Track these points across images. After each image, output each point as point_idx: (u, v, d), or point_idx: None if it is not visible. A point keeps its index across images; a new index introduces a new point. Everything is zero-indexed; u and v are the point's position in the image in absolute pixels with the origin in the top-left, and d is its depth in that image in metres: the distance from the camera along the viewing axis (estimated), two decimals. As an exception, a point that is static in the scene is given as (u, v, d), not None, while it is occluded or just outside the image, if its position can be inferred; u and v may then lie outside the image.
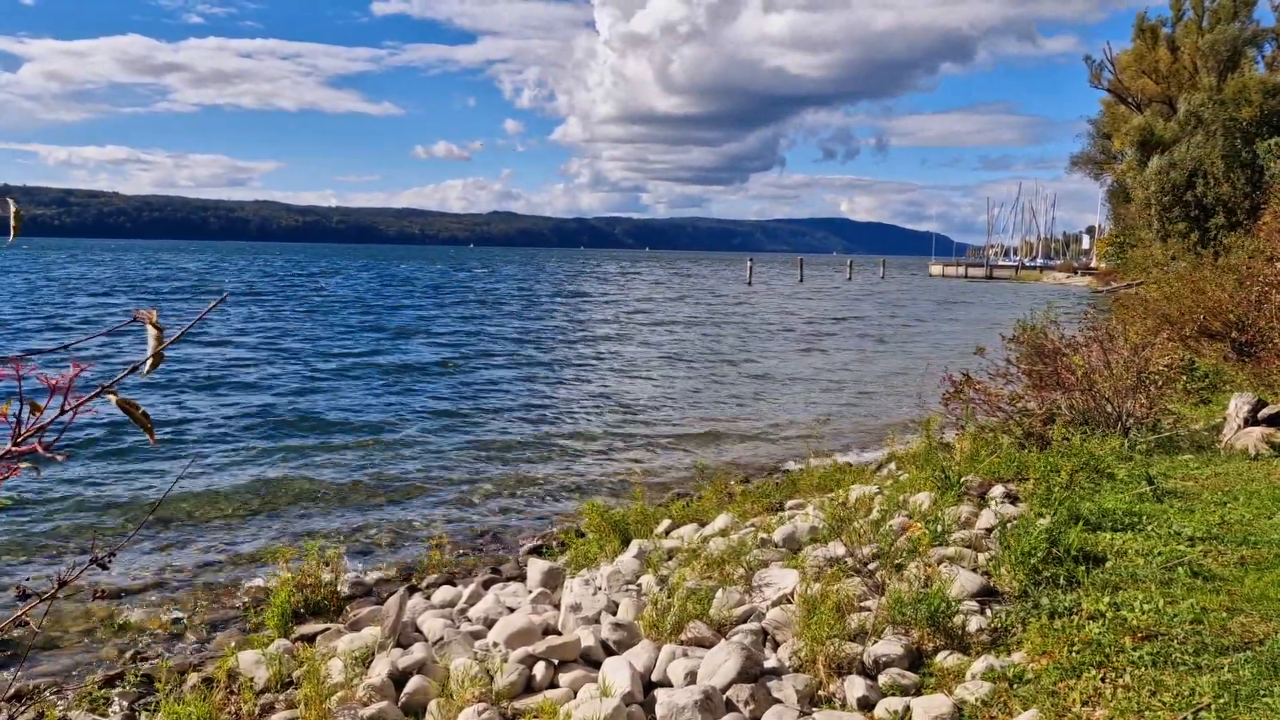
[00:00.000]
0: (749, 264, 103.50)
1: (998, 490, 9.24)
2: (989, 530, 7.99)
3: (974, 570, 6.98)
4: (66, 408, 1.30)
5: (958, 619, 6.03)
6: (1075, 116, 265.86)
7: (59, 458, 1.28)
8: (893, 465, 13.06)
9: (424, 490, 14.03)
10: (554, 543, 11.43)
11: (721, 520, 10.27)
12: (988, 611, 6.29)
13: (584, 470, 15.56)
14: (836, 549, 7.76)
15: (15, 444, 1.27)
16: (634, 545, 9.39)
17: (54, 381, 1.28)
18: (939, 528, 7.70)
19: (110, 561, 1.96)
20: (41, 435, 1.30)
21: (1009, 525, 7.42)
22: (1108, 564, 6.58)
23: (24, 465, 1.29)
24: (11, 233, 1.52)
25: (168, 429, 17.46)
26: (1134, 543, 6.97)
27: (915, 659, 5.88)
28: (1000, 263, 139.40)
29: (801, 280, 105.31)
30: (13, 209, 1.51)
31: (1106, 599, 5.87)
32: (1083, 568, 6.45)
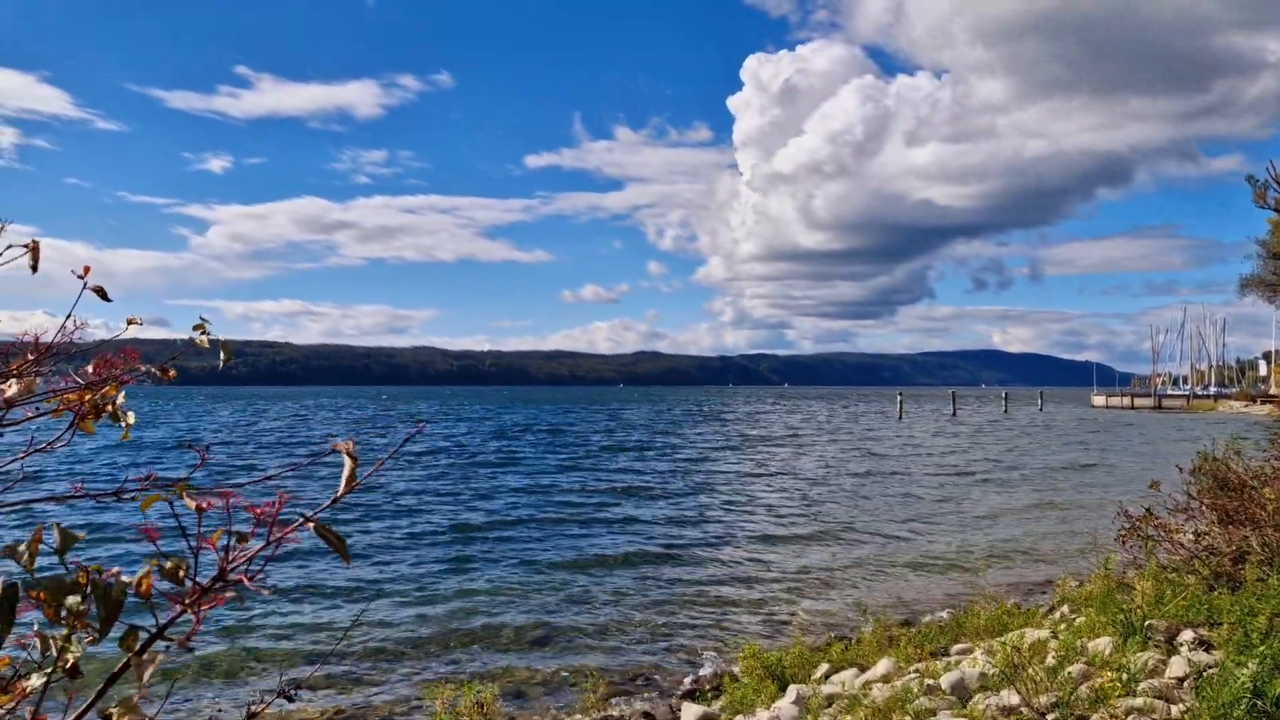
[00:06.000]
0: (899, 399, 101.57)
1: (1187, 635, 8.54)
2: (1180, 680, 7.37)
3: (1167, 724, 6.41)
4: (272, 538, 1.36)
5: (1154, 779, 5.52)
6: (1243, 237, 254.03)
7: (265, 591, 1.34)
8: (1065, 608, 12.28)
9: (576, 629, 13.96)
10: (708, 686, 11.12)
11: (883, 665, 9.81)
12: (1187, 771, 5.74)
13: (738, 610, 15.21)
14: (1010, 698, 7.28)
15: (223, 575, 1.34)
16: (792, 690, 9.05)
17: (259, 511, 1.35)
18: (1125, 676, 7.15)
19: (295, 694, 2.02)
20: (248, 566, 1.36)
21: (1205, 674, 6.82)
22: (1323, 720, 5.94)
23: (229, 595, 1.35)
24: (221, 361, 1.68)
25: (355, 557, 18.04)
26: (1352, 696, 6.28)
27: (1108, 823, 5.39)
28: (1169, 392, 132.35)
29: (954, 415, 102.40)
30: (222, 338, 1.67)
31: (1326, 760, 5.28)
32: (1294, 723, 5.84)
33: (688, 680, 11.61)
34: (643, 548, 20.64)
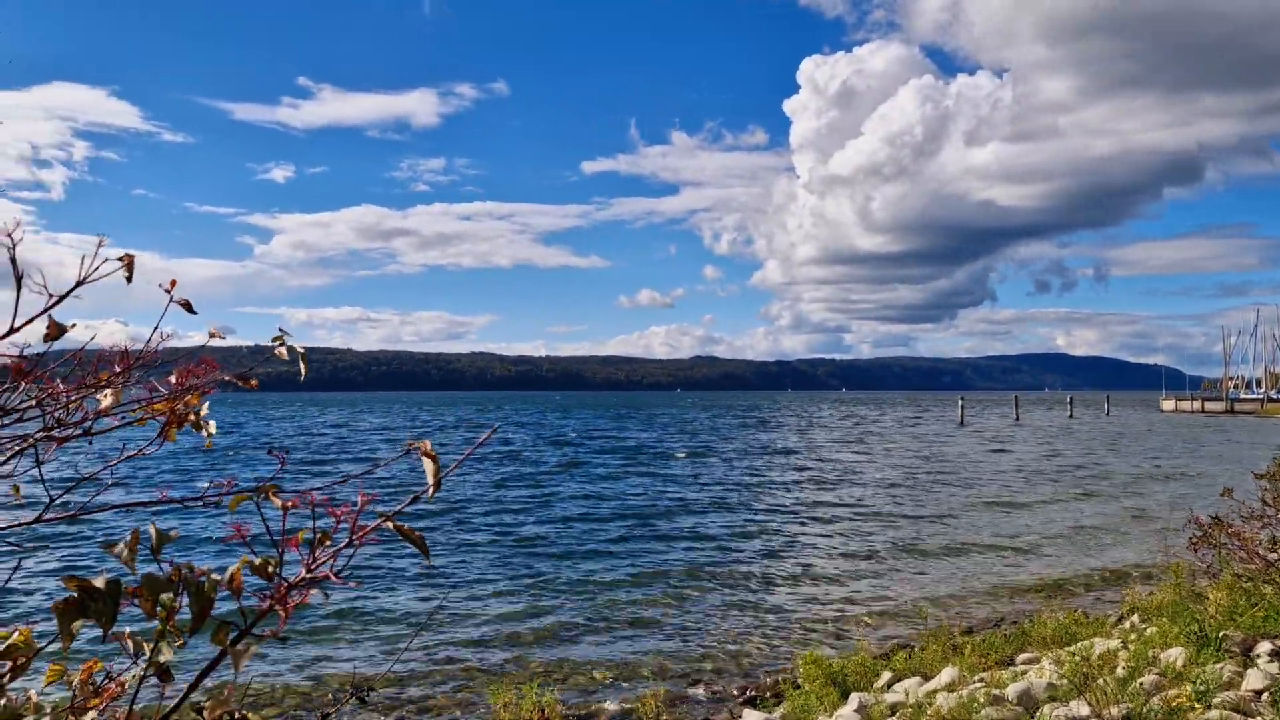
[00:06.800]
0: (960, 403, 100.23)
1: (1264, 647, 8.30)
2: (1258, 692, 7.16)
3: (1245, 738, 6.23)
4: (353, 537, 1.39)
5: (1231, 794, 5.37)
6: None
7: (352, 584, 1.36)
8: (1135, 618, 12.00)
9: (636, 636, 13.97)
10: (768, 693, 11.05)
11: (947, 674, 9.67)
12: (1267, 787, 5.57)
13: (799, 618, 15.10)
14: (1080, 709, 7.14)
15: (309, 571, 1.36)
16: (854, 699, 8.96)
17: (339, 511, 1.38)
18: (1200, 688, 6.96)
19: (369, 696, 2.05)
20: (333, 563, 1.39)
21: (1284, 687, 6.63)
22: None
23: (314, 592, 1.38)
24: (302, 373, 1.74)
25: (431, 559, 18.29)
26: None
27: (1184, 838, 5.25)
28: (1242, 396, 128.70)
29: (1018, 419, 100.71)
30: (300, 349, 1.73)
31: None
32: (1381, 739, 5.64)
33: (748, 687, 11.56)
34: (702, 556, 20.59)
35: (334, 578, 1.37)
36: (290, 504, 1.35)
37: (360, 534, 1.39)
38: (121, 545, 1.24)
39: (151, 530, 1.25)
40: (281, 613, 1.33)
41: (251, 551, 1.32)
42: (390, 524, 1.38)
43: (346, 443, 63.59)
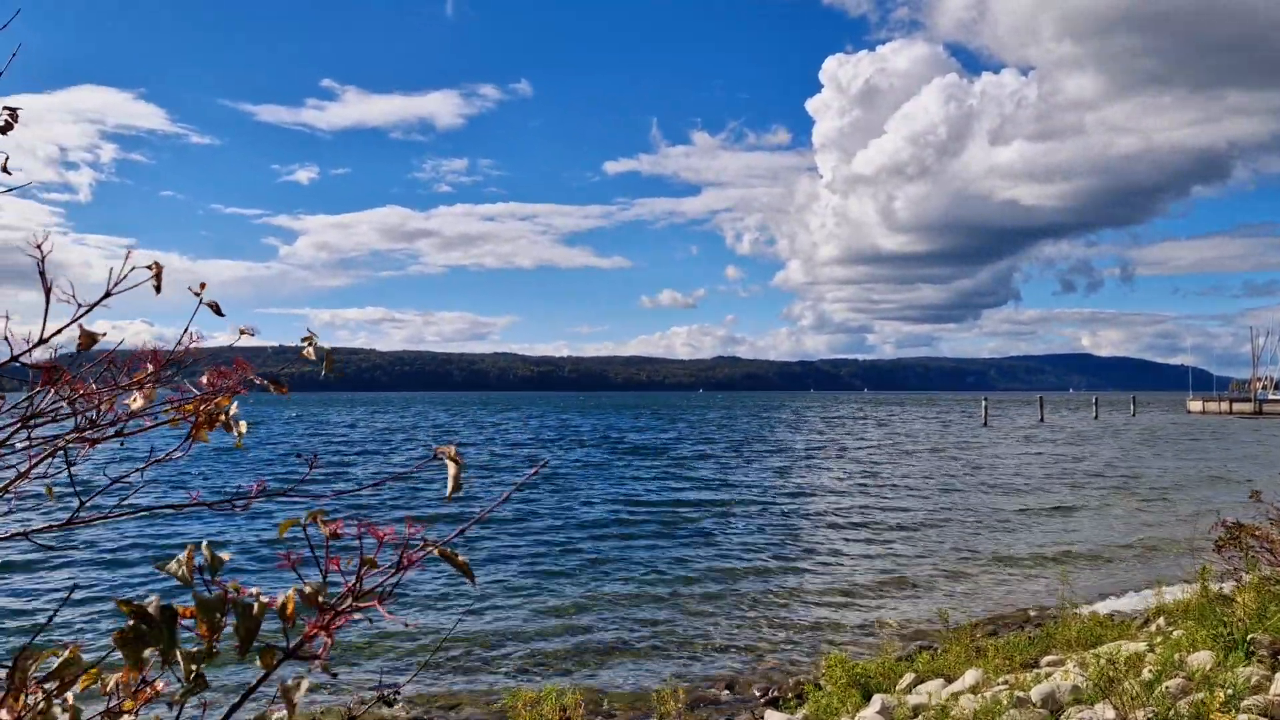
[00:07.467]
0: (984, 404, 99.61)
1: (1293, 651, 8.23)
2: (1287, 697, 7.10)
3: (1272, 743, 6.19)
4: (401, 563, 1.42)
5: (1258, 800, 5.34)
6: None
7: (388, 617, 1.38)
8: (1161, 620, 11.92)
9: (658, 638, 14.00)
10: (790, 694, 11.06)
11: (971, 676, 9.65)
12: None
13: (821, 621, 15.10)
14: (1105, 712, 7.11)
15: (355, 597, 1.39)
16: (876, 700, 8.96)
17: (382, 535, 1.41)
18: (1227, 692, 6.92)
19: (395, 699, 2.11)
20: (379, 589, 1.42)
21: (1311, 692, 6.58)
22: None
23: (357, 616, 1.41)
24: (324, 369, 1.81)
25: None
26: None
27: (1209, 844, 5.23)
28: (1271, 397, 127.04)
29: (1042, 420, 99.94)
30: (326, 349, 1.80)
31: None
32: None
33: (770, 688, 11.57)
34: (724, 560, 20.58)
35: (380, 607, 1.39)
36: (336, 527, 1.38)
37: (408, 561, 1.41)
38: (176, 564, 1.28)
39: (205, 551, 1.29)
40: (327, 640, 1.35)
41: (300, 577, 1.35)
42: (437, 551, 1.41)
43: (367, 442, 63.94)
